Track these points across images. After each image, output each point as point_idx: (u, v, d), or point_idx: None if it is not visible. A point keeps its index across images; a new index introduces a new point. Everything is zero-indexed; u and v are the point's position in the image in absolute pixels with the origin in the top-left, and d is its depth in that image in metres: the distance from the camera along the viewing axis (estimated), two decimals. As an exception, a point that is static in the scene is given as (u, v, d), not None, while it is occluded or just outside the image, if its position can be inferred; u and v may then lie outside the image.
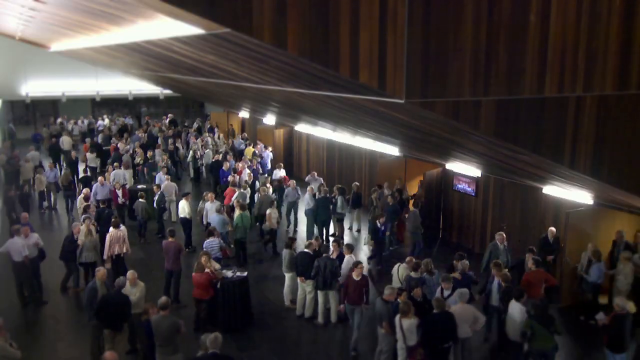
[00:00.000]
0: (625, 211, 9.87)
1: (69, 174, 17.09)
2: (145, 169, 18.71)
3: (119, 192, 15.04)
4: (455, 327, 7.82)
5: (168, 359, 7.56)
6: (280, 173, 17.55)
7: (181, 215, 13.84)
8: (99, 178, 15.50)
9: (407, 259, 9.95)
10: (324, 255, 9.84)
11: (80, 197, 14.30)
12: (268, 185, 16.27)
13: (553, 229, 10.98)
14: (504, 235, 10.65)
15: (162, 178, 15.96)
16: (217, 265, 10.06)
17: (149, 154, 19.67)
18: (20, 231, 10.71)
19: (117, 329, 8.43)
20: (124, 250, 11.37)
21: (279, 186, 16.50)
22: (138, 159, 19.40)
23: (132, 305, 8.70)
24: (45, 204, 17.30)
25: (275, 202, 15.92)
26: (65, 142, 23.20)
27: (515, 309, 8.15)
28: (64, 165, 20.11)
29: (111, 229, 11.32)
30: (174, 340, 7.58)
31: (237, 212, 12.77)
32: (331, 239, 13.65)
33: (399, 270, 9.80)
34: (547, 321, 7.78)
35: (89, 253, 11.06)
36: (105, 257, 11.19)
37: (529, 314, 7.90)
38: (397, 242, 14.35)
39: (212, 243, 11.02)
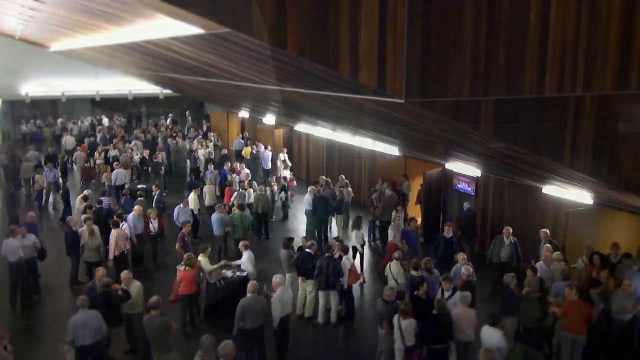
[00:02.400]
0: (625, 211, 9.88)
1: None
2: (149, 168, 18.85)
3: (154, 223, 12.61)
4: (452, 328, 7.78)
5: (163, 358, 7.57)
6: (286, 173, 17.57)
7: (190, 207, 13.96)
8: (136, 207, 12.52)
9: (395, 254, 10.01)
10: (326, 255, 9.84)
11: (79, 198, 14.29)
12: (273, 184, 16.31)
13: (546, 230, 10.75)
14: (510, 230, 10.63)
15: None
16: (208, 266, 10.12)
17: (146, 153, 19.83)
18: (16, 232, 10.71)
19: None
20: (127, 248, 11.45)
21: (282, 187, 16.54)
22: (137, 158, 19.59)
23: (129, 305, 8.70)
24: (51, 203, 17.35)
25: (282, 202, 16.04)
26: (68, 142, 23.26)
27: (493, 337, 7.26)
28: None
29: (112, 229, 11.34)
30: (166, 340, 7.58)
31: (236, 212, 12.76)
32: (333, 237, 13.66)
33: (391, 268, 9.82)
34: (539, 344, 7.28)
35: (91, 254, 11.10)
36: (110, 256, 11.22)
37: (521, 338, 7.42)
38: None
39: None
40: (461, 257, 9.63)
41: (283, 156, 19.32)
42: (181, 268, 9.70)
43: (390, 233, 12.03)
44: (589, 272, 9.51)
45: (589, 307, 8.15)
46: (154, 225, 12.54)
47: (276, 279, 8.84)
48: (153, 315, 7.59)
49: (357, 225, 12.29)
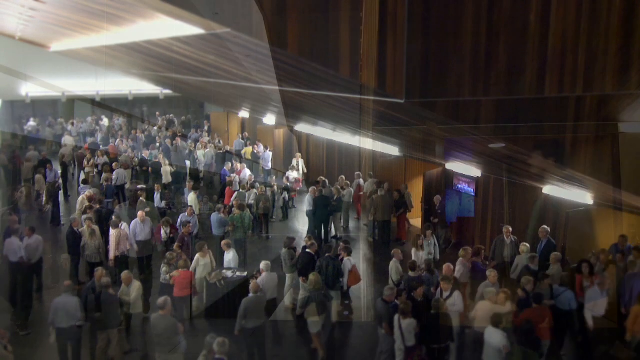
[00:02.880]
0: (625, 211, 9.88)
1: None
2: (149, 168, 18.83)
3: (166, 229, 12.04)
4: (452, 328, 7.78)
5: (166, 359, 7.57)
6: (294, 175, 17.51)
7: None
8: (139, 213, 11.64)
9: (393, 251, 10.01)
10: (326, 255, 9.85)
11: (81, 198, 14.27)
12: (273, 184, 16.30)
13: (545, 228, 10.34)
14: (510, 229, 10.63)
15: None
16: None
17: (145, 153, 19.82)
18: (17, 231, 10.70)
19: (104, 328, 8.40)
20: (128, 247, 11.43)
21: (285, 187, 16.54)
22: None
23: (129, 305, 8.71)
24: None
25: (284, 202, 16.02)
26: (67, 142, 23.23)
27: (495, 336, 7.24)
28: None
29: (111, 230, 11.32)
30: (172, 341, 7.58)
31: (236, 212, 12.72)
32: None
33: (390, 265, 9.86)
34: (535, 344, 7.23)
35: (92, 253, 11.09)
36: (111, 257, 11.22)
37: (519, 340, 7.37)
38: (399, 240, 14.32)
39: None
40: (492, 274, 8.82)
41: (295, 161, 18.88)
42: (166, 276, 9.61)
43: (458, 269, 9.84)
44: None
45: (547, 311, 7.86)
46: (166, 231, 11.99)
47: (263, 265, 9.21)
48: (161, 315, 7.60)
49: (416, 245, 10.62)
